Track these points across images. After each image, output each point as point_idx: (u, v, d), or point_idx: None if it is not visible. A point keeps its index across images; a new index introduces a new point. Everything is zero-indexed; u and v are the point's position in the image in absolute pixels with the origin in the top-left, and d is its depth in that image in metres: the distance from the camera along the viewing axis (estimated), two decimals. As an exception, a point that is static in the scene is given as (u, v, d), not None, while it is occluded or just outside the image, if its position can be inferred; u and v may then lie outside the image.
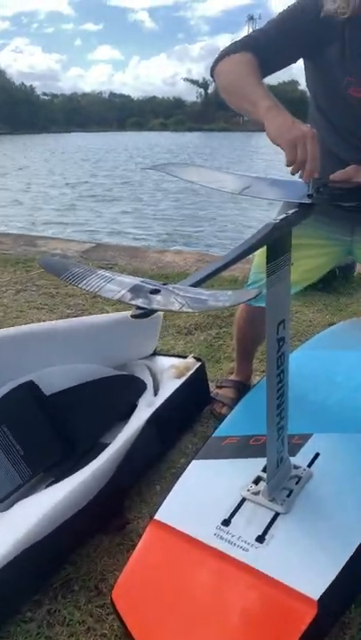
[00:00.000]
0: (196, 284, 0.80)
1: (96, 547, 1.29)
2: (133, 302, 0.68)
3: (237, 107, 1.24)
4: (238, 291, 0.66)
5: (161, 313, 1.85)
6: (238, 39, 1.26)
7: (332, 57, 1.21)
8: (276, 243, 1.03)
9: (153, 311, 0.70)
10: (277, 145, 1.09)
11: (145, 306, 0.67)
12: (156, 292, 0.70)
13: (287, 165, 1.09)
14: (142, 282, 0.73)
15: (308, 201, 1.11)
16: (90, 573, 1.22)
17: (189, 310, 0.63)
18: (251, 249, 0.93)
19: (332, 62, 1.21)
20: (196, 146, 29.20)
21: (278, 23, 1.24)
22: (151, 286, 0.71)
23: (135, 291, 0.71)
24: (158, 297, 0.67)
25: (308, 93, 1.39)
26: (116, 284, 0.73)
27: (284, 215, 1.04)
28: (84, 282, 0.74)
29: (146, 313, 0.69)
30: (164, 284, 0.73)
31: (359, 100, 1.21)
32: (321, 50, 1.22)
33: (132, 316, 0.68)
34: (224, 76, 1.25)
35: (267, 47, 1.23)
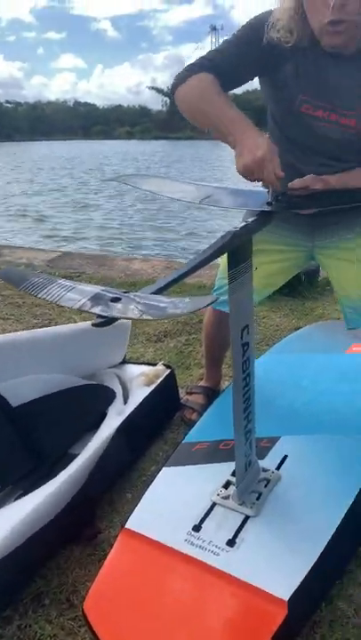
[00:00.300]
0: (158, 292, 0.81)
1: (67, 558, 1.28)
2: (94, 311, 0.68)
3: (204, 126, 1.24)
4: (197, 297, 0.67)
5: (129, 321, 1.85)
6: (191, 62, 1.26)
7: (287, 75, 1.24)
8: (236, 250, 1.05)
9: (114, 319, 0.70)
10: (243, 174, 1.12)
11: (105, 314, 0.67)
12: (116, 300, 0.71)
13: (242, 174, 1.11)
14: (103, 290, 0.74)
15: (267, 209, 1.14)
16: (61, 586, 1.20)
17: (149, 318, 0.64)
18: (211, 256, 0.94)
19: (286, 80, 1.25)
20: (164, 154, 29.33)
21: (233, 43, 1.26)
22: (112, 294, 0.72)
23: (96, 299, 0.71)
24: (119, 305, 0.68)
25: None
26: (77, 293, 0.73)
27: (244, 223, 1.06)
28: (44, 291, 0.74)
29: (107, 321, 0.70)
30: (125, 292, 0.74)
31: (311, 117, 1.25)
32: (276, 68, 1.25)
33: (93, 325, 0.68)
34: (189, 99, 1.25)
35: (223, 67, 1.24)
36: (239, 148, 1.11)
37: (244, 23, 1.27)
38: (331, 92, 1.22)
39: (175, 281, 0.86)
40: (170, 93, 1.31)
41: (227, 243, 0.98)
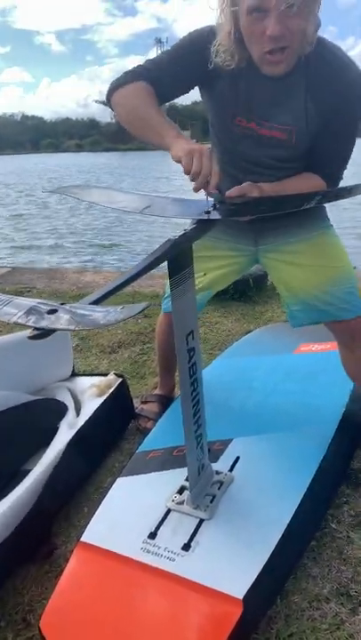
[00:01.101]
0: (97, 302, 0.82)
1: (23, 577, 1.25)
2: (29, 323, 0.69)
3: (140, 135, 1.26)
4: (130, 305, 0.68)
5: (68, 333, 1.85)
6: (129, 69, 1.29)
7: (222, 91, 1.28)
8: (176, 258, 1.07)
9: (51, 331, 0.71)
10: (178, 162, 1.13)
11: (41, 326, 0.67)
12: (52, 312, 0.72)
13: (186, 173, 1.12)
14: (39, 303, 0.74)
15: (205, 217, 1.16)
16: (17, 606, 1.18)
17: (84, 327, 0.65)
18: (151, 265, 0.96)
19: (222, 95, 1.29)
20: (114, 166, 29.35)
21: (170, 54, 1.29)
22: (48, 307, 0.72)
23: (32, 312, 0.71)
24: (53, 317, 0.68)
25: None
26: (13, 307, 0.73)
27: (183, 231, 1.08)
28: (-21, 307, 0.73)
29: (43, 333, 0.70)
30: (62, 304, 0.75)
31: (244, 128, 1.30)
32: (212, 81, 1.29)
33: (30, 338, 0.69)
34: (122, 106, 1.28)
35: (159, 77, 1.27)
36: (175, 143, 1.14)
37: (185, 35, 1.30)
38: (264, 108, 1.27)
39: (114, 290, 0.87)
40: (106, 98, 1.33)
41: (166, 251, 1.00)
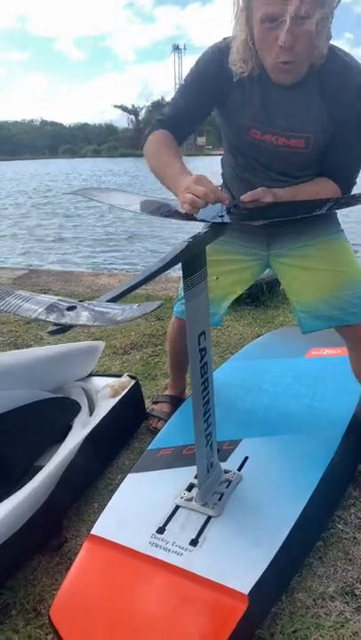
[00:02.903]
0: (114, 300, 0.86)
1: (34, 569, 1.29)
2: (49, 319, 0.72)
3: (162, 181, 1.34)
4: (145, 303, 0.72)
5: (101, 342, 1.90)
6: (157, 117, 1.41)
7: (234, 104, 1.33)
8: (190, 260, 1.10)
9: (70, 327, 0.74)
10: (185, 203, 1.15)
11: (59, 321, 0.71)
12: (72, 308, 0.75)
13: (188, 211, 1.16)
14: (59, 300, 0.78)
15: (218, 220, 1.20)
16: (28, 596, 1.21)
17: (102, 324, 0.69)
18: (166, 266, 0.99)
19: (234, 108, 1.34)
20: (133, 171, 29.56)
21: (183, 92, 1.38)
22: (67, 304, 0.76)
23: (52, 308, 0.75)
24: (72, 313, 0.72)
25: None
26: (34, 303, 0.77)
27: (197, 234, 1.12)
28: (2, 302, 0.77)
29: (62, 329, 0.74)
30: (81, 301, 0.78)
31: (260, 140, 1.34)
32: (223, 100, 1.35)
33: (49, 333, 0.72)
34: (148, 157, 1.38)
35: (178, 119, 1.38)
36: (176, 194, 1.21)
37: (201, 55, 1.36)
38: (278, 117, 1.30)
39: (130, 289, 0.90)
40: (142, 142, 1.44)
41: (180, 253, 1.03)
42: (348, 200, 1.30)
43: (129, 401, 1.81)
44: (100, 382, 1.89)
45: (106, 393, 1.79)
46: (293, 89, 1.26)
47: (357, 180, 1.39)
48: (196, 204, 1.12)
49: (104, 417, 1.66)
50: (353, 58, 1.27)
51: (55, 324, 0.74)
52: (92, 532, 1.25)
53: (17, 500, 1.27)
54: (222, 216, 1.23)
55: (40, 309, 0.76)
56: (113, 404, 1.73)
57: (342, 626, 1.10)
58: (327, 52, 1.20)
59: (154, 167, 1.35)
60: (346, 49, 1.28)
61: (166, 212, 1.31)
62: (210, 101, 1.38)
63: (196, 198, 1.11)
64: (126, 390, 1.81)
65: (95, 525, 1.27)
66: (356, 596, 1.17)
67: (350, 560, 1.27)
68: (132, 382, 1.85)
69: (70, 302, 0.77)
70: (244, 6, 1.18)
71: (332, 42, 1.22)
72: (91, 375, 1.98)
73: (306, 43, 1.14)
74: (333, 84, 1.24)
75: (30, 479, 1.36)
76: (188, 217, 1.20)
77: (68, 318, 0.71)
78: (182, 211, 1.17)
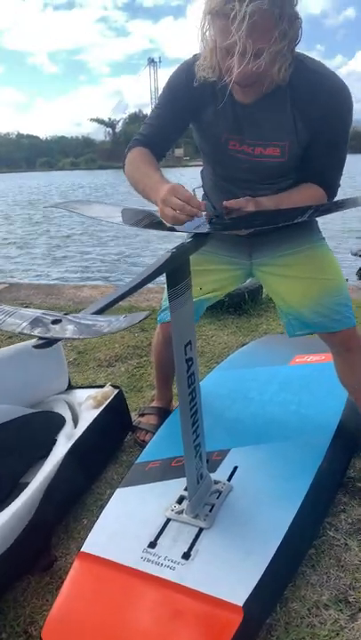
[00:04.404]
0: (99, 312, 0.85)
1: (23, 590, 1.26)
2: (34, 333, 0.71)
3: (143, 195, 1.35)
4: (131, 314, 0.71)
5: (61, 347, 1.87)
6: (135, 137, 1.43)
7: (208, 118, 1.35)
8: (175, 270, 1.10)
9: (55, 340, 0.73)
10: (166, 216, 1.17)
11: (45, 336, 0.70)
12: (57, 322, 0.74)
13: (171, 224, 1.17)
14: (43, 313, 0.77)
15: (201, 230, 1.20)
16: (18, 618, 1.18)
17: (88, 336, 0.68)
18: (150, 277, 0.99)
19: (209, 122, 1.36)
20: (110, 184, 29.62)
21: (157, 112, 1.41)
22: (52, 317, 0.75)
23: (36, 322, 0.74)
24: (58, 327, 0.71)
25: None
26: (18, 318, 0.76)
27: (180, 244, 1.12)
28: (-15, 318, 0.76)
29: (48, 342, 0.73)
30: (66, 314, 0.77)
31: (237, 151, 1.35)
32: (198, 115, 1.37)
33: (35, 347, 0.71)
34: (128, 172, 1.40)
35: (154, 138, 1.40)
36: (157, 203, 1.21)
37: (171, 74, 1.39)
38: (250, 127, 1.31)
39: (115, 301, 0.90)
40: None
41: (165, 263, 1.03)
42: (328, 207, 1.32)
43: (113, 410, 1.79)
44: (82, 394, 1.87)
45: (89, 404, 1.77)
46: (262, 101, 1.28)
47: (341, 183, 1.40)
48: (178, 221, 1.14)
49: (88, 428, 1.64)
50: (321, 64, 1.28)
51: (40, 338, 0.73)
52: (83, 549, 1.23)
53: (2, 518, 1.24)
54: (205, 226, 1.23)
55: (24, 324, 0.75)
56: (96, 415, 1.71)
57: (337, 634, 1.10)
58: (293, 68, 1.20)
59: (133, 180, 1.37)
60: (317, 60, 1.30)
61: (149, 222, 1.31)
62: (184, 118, 1.40)
63: (178, 214, 1.13)
64: (109, 400, 1.79)
65: (85, 542, 1.25)
66: (349, 603, 1.17)
67: (342, 567, 1.26)
68: (116, 392, 1.84)
69: (55, 315, 0.76)
70: (208, 24, 1.18)
71: (304, 53, 1.24)
72: (73, 388, 1.96)
73: (260, 75, 1.15)
74: (305, 92, 1.25)
75: (16, 497, 1.34)
76: (171, 228, 1.20)
77: (54, 332, 0.70)
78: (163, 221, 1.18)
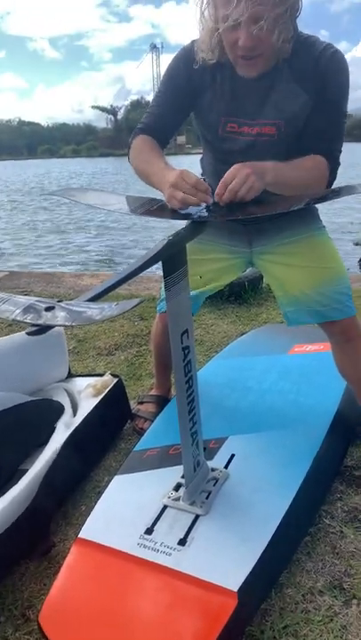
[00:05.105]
0: (93, 299, 0.85)
1: (22, 574, 1.27)
2: (28, 320, 0.71)
3: (147, 181, 1.36)
4: (124, 301, 0.71)
5: (63, 335, 1.87)
6: (138, 126, 1.43)
7: (207, 102, 1.36)
8: (171, 258, 1.10)
9: (49, 327, 0.73)
10: (172, 199, 1.17)
11: (38, 322, 0.70)
12: (50, 309, 0.74)
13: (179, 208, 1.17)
14: (37, 301, 0.77)
15: (199, 218, 1.19)
16: (16, 602, 1.20)
17: (80, 323, 0.68)
18: (146, 264, 0.99)
19: (209, 106, 1.36)
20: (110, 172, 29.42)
21: (159, 99, 1.42)
22: (45, 304, 0.75)
23: (29, 309, 0.74)
24: (50, 314, 0.71)
25: None
26: (11, 305, 0.76)
27: (176, 232, 1.11)
28: (-21, 305, 0.76)
29: (41, 329, 0.73)
30: (59, 301, 0.77)
31: (236, 133, 1.35)
32: (196, 99, 1.37)
33: (28, 334, 0.71)
34: (133, 160, 1.41)
35: (156, 126, 1.41)
36: (163, 190, 1.22)
37: (171, 60, 1.40)
38: (248, 106, 1.31)
39: (110, 288, 0.89)
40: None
41: (161, 251, 1.02)
42: (324, 195, 1.30)
43: (112, 399, 1.80)
44: (82, 382, 1.87)
45: (88, 393, 1.77)
46: (262, 77, 1.28)
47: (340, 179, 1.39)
48: (187, 203, 1.15)
49: (87, 416, 1.64)
50: (316, 37, 1.30)
51: (33, 325, 0.73)
52: (80, 535, 1.24)
53: (1, 504, 1.25)
54: (202, 213, 1.22)
55: (17, 311, 0.75)
56: (96, 403, 1.71)
57: (331, 620, 1.11)
58: (290, 46, 1.23)
59: (138, 168, 1.37)
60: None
61: (148, 210, 1.30)
62: (185, 104, 1.40)
63: (188, 197, 1.14)
64: (109, 389, 1.80)
65: (83, 528, 1.26)
66: (344, 589, 1.18)
67: (338, 554, 1.27)
68: (115, 380, 1.84)
69: (48, 303, 0.76)
70: (206, 2, 1.22)
71: None
72: (73, 376, 1.96)
73: (264, 42, 1.17)
74: (304, 62, 1.27)
75: (15, 483, 1.35)
76: (170, 216, 1.19)
77: (45, 319, 0.70)
78: (169, 206, 1.19)
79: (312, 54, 1.27)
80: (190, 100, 1.39)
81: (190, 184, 1.14)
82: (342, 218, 8.85)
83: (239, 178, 1.16)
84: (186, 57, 1.35)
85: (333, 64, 1.28)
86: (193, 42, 1.34)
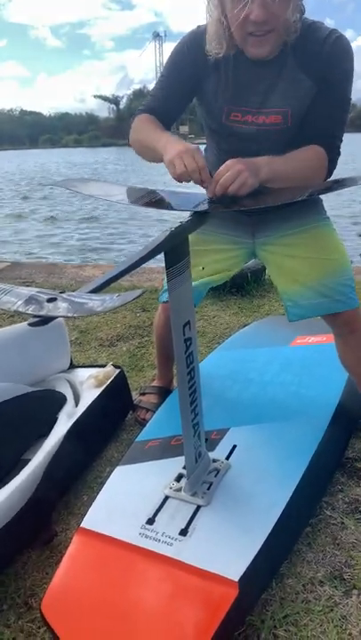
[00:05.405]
0: (95, 291, 0.84)
1: (24, 563, 1.28)
2: (29, 311, 0.71)
3: (147, 157, 1.36)
4: (125, 292, 0.71)
5: (65, 326, 1.87)
6: (139, 108, 1.42)
7: (211, 89, 1.34)
8: (173, 249, 1.09)
9: (51, 318, 0.73)
10: (171, 164, 1.16)
11: (40, 314, 0.70)
12: (52, 300, 0.74)
13: (176, 175, 1.16)
14: (39, 292, 0.76)
15: (200, 209, 1.19)
16: (18, 590, 1.21)
17: (82, 314, 0.68)
18: (148, 256, 0.98)
19: (212, 93, 1.34)
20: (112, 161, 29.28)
21: (162, 83, 1.40)
22: (47, 295, 0.75)
23: (31, 301, 0.74)
24: (52, 305, 0.71)
25: None
26: (13, 296, 0.76)
27: (179, 223, 1.10)
28: (-19, 296, 0.76)
29: (43, 320, 0.73)
30: (61, 293, 0.77)
31: (240, 122, 1.33)
32: (200, 86, 1.36)
33: (30, 325, 0.71)
34: (135, 134, 1.39)
35: (159, 109, 1.39)
36: (167, 149, 1.20)
37: (177, 44, 1.38)
38: (253, 95, 1.30)
39: (111, 280, 0.89)
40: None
41: (163, 242, 1.02)
42: (327, 186, 1.30)
43: (114, 390, 1.80)
44: (84, 373, 1.88)
45: (90, 383, 1.78)
46: (267, 65, 1.27)
47: (338, 170, 1.38)
48: (183, 179, 1.15)
49: (89, 407, 1.65)
50: (320, 22, 1.29)
51: (35, 316, 0.73)
52: (82, 524, 1.25)
53: (4, 494, 1.26)
54: (205, 204, 1.21)
55: (19, 302, 0.74)
56: (98, 394, 1.72)
57: (331, 610, 1.12)
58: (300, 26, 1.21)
59: (141, 140, 1.35)
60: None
61: (148, 201, 1.30)
62: (189, 88, 1.38)
63: (187, 173, 1.13)
64: (111, 380, 1.80)
65: (85, 518, 1.27)
66: (344, 580, 1.19)
67: (338, 545, 1.28)
68: (117, 371, 1.84)
69: (50, 294, 0.76)
70: None
71: None
72: (75, 367, 1.97)
73: (278, 16, 1.16)
74: (309, 48, 1.26)
75: (18, 473, 1.36)
76: (169, 207, 1.19)
77: (47, 310, 0.70)
78: (170, 171, 1.18)
79: (317, 39, 1.25)
80: (194, 85, 1.36)
81: (198, 165, 1.13)
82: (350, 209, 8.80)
83: (231, 173, 1.15)
84: (191, 41, 1.32)
85: (338, 49, 1.26)
86: (199, 27, 1.32)
